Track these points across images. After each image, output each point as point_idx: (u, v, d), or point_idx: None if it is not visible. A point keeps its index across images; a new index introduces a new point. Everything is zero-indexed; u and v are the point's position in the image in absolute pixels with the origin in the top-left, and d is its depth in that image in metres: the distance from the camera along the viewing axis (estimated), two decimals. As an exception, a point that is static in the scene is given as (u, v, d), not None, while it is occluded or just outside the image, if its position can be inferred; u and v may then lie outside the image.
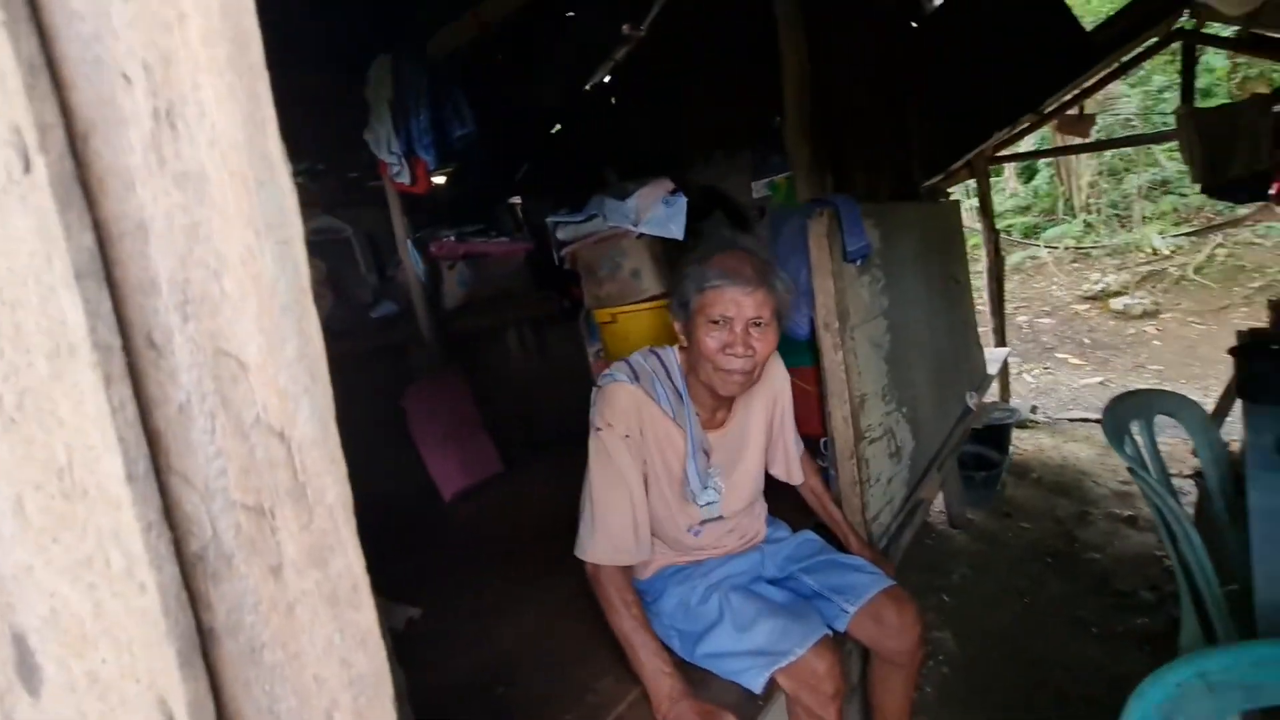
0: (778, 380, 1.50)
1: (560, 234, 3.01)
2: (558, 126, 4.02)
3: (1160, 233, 7.20)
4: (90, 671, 0.23)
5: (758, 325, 1.24)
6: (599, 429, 1.28)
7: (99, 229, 0.19)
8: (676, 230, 2.67)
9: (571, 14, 3.28)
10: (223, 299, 0.21)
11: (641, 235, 2.70)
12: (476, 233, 3.24)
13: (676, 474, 1.35)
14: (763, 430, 1.48)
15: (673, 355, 1.38)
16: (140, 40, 0.20)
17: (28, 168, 0.18)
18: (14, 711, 0.26)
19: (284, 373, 0.22)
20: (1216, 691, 0.80)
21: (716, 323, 1.23)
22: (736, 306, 1.22)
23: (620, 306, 2.82)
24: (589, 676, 1.37)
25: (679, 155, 3.33)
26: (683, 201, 2.71)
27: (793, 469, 1.57)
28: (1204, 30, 3.88)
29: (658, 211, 2.70)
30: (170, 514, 0.21)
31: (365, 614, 0.23)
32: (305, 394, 0.22)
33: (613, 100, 3.83)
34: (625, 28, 3.14)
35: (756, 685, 1.21)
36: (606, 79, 3.73)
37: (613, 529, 1.26)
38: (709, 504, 1.37)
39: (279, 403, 0.22)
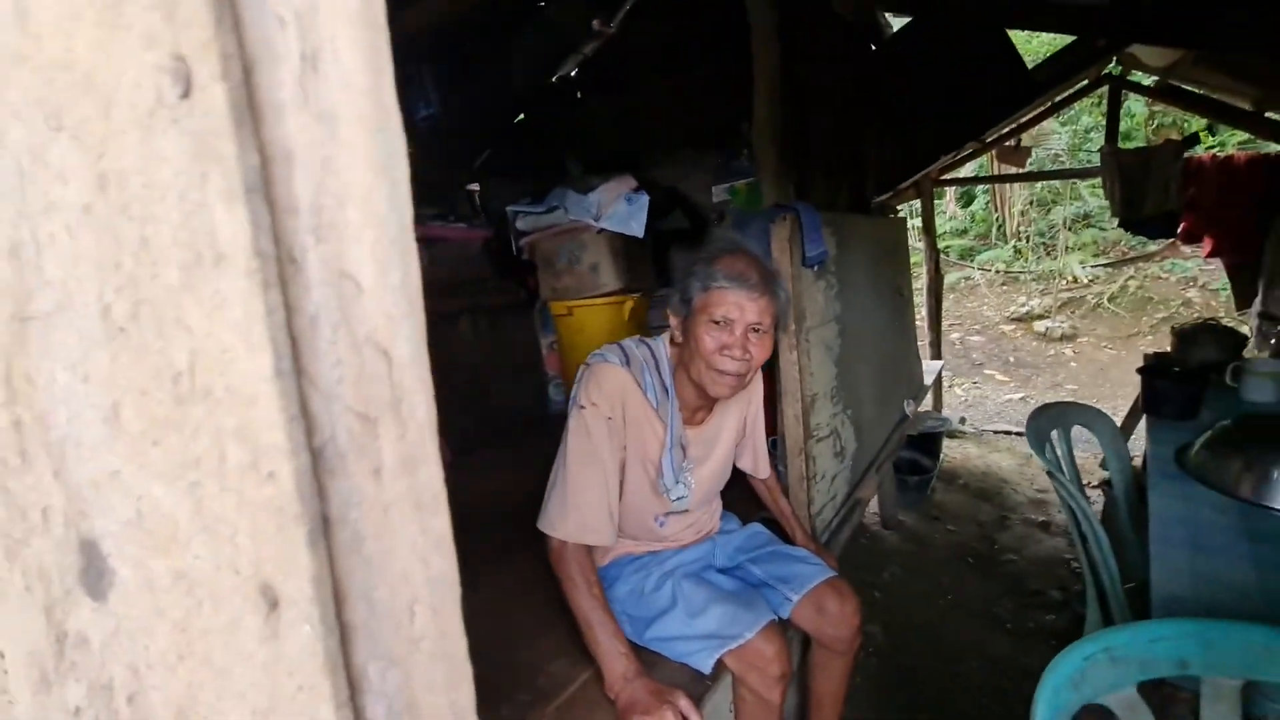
0: (754, 382, 1.52)
1: (520, 223, 3.00)
2: (521, 115, 3.99)
3: (1081, 262, 7.73)
4: (177, 569, 0.24)
5: (757, 331, 1.25)
6: (582, 406, 1.26)
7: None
8: (637, 228, 2.71)
9: (543, 3, 3.27)
10: (345, 227, 0.23)
11: (602, 230, 2.73)
12: (434, 217, 3.18)
13: (651, 464, 1.36)
14: (734, 430, 1.50)
15: (663, 348, 1.37)
16: (292, -10, 0.22)
17: (186, 93, 0.20)
18: (68, 619, 0.27)
19: (390, 297, 0.24)
20: (1118, 664, 0.90)
21: (718, 323, 1.23)
22: (740, 310, 1.22)
23: (577, 300, 2.84)
24: (540, 659, 1.37)
25: (642, 152, 3.36)
26: (644, 200, 2.75)
27: (760, 464, 1.62)
28: (1129, 78, 4.22)
29: (619, 208, 2.73)
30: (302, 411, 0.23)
31: (442, 521, 0.26)
32: (406, 318, 0.25)
33: (578, 94, 3.84)
34: (595, 23, 3.15)
35: (706, 666, 1.24)
36: (573, 72, 3.73)
37: (585, 507, 1.25)
38: (680, 498, 1.39)
39: (385, 324, 0.24)
